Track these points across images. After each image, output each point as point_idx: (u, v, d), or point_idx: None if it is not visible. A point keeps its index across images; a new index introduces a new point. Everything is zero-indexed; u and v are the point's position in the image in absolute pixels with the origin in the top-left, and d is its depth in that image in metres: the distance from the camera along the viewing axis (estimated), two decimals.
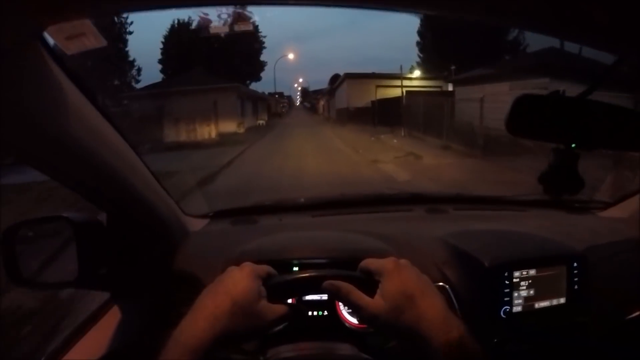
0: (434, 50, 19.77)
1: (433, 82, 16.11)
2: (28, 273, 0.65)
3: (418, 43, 21.16)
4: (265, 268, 0.48)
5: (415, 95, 13.03)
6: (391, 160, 7.49)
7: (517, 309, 0.76)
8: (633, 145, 0.56)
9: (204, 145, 11.10)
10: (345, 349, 0.65)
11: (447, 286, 0.73)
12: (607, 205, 1.08)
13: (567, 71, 7.27)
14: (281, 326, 0.67)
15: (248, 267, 0.46)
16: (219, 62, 20.69)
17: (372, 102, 16.93)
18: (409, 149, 8.90)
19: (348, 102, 19.35)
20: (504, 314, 0.75)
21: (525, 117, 0.53)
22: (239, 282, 0.44)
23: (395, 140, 10.98)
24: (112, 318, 0.72)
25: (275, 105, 40.19)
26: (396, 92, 15.02)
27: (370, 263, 0.48)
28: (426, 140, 10.19)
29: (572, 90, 0.56)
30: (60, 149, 0.47)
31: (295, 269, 0.70)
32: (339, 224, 0.98)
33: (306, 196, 1.18)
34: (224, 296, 0.42)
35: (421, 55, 21.58)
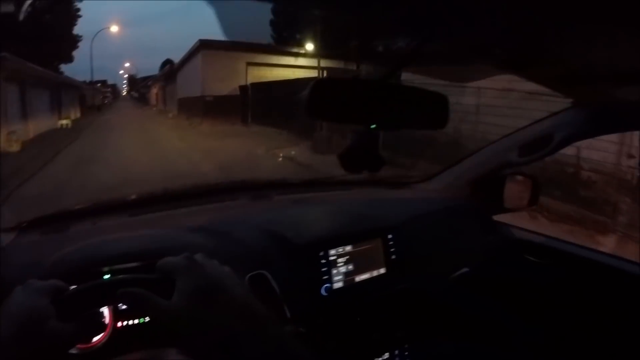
0: (295, 28, 17.77)
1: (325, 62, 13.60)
2: None
3: (272, 22, 21.19)
4: (52, 283, 0.51)
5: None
6: None
7: (338, 285, 0.97)
8: (431, 124, 0.75)
9: None
10: (172, 354, 0.72)
11: (266, 272, 0.87)
12: (425, 179, 1.35)
13: None
14: (100, 341, 0.73)
15: (31, 284, 0.50)
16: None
17: (243, 87, 14.48)
18: None
19: (203, 88, 15.81)
20: (325, 292, 0.95)
21: (325, 101, 0.64)
22: (22, 303, 0.47)
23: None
24: None
25: (93, 96, 35.74)
26: (275, 75, 13.30)
27: (165, 262, 0.54)
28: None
29: None
30: None
31: (107, 277, 0.76)
32: (161, 220, 1.08)
33: (125, 194, 1.27)
34: (7, 322, 0.45)
35: (274, 35, 20.83)
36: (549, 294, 1.28)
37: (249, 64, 14.72)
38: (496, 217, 1.42)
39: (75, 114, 22.81)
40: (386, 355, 1.05)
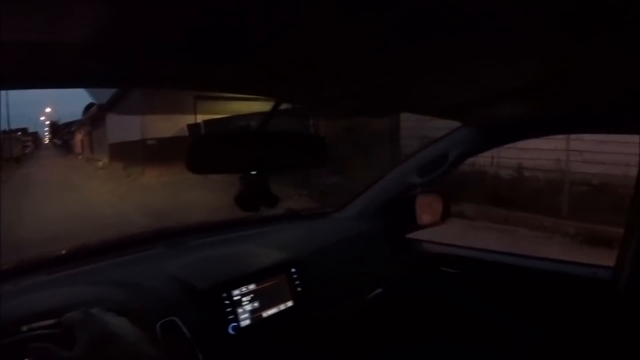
0: None
1: None
2: None
3: None
4: None
5: None
6: None
7: (245, 322, 1.12)
8: (310, 164, 0.86)
9: None
10: None
11: (176, 319, 0.98)
12: (341, 207, 1.51)
13: None
14: None
15: None
16: None
17: (193, 126, 13.00)
18: None
19: (144, 130, 14.24)
20: (233, 331, 1.08)
21: (207, 155, 0.77)
22: None
23: None
24: None
25: (11, 147, 34.05)
26: (230, 110, 11.46)
27: (66, 317, 0.67)
28: None
29: None
30: None
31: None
32: (79, 277, 1.17)
33: (44, 253, 1.36)
34: None
35: None
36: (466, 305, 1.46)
37: (198, 97, 13.24)
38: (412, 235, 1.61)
39: None
40: None
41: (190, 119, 13.20)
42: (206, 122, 12.61)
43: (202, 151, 0.76)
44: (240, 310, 1.11)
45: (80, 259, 1.31)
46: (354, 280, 1.36)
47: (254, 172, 0.81)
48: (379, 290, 1.40)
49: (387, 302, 1.43)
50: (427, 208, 1.62)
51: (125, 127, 16.19)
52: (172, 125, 13.49)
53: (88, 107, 23.91)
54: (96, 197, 10.32)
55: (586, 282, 1.39)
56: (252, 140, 0.81)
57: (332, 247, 1.40)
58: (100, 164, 19.56)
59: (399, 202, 1.58)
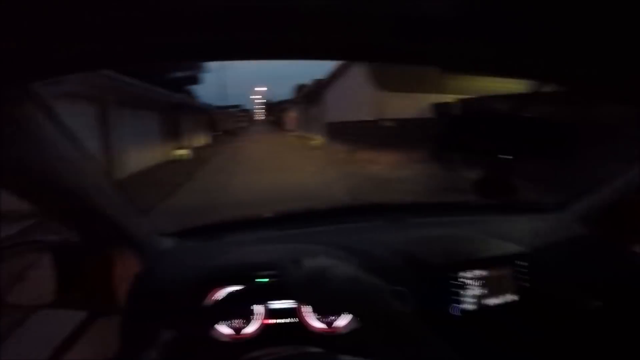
0: None
1: None
2: None
3: None
4: None
5: None
6: None
7: (469, 307, 1.25)
8: (553, 154, 0.96)
9: None
10: (317, 350, 0.98)
11: (405, 289, 1.10)
12: (563, 204, 1.66)
13: None
14: (250, 334, 1.10)
15: None
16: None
17: (440, 107, 12.17)
18: None
19: (378, 109, 13.73)
20: (456, 312, 1.23)
21: (457, 135, 0.89)
22: None
23: None
24: (94, 336, 1.14)
25: (226, 121, 40.63)
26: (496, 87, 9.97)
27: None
28: None
29: None
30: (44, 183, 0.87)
31: (265, 280, 1.11)
32: (305, 237, 1.40)
33: (272, 210, 1.65)
34: None
35: None
36: None
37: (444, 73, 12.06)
38: None
39: (206, 139, 23.87)
40: None
41: (432, 97, 12.42)
42: (466, 100, 11.33)
43: (454, 130, 0.86)
44: (464, 293, 1.24)
45: (298, 222, 1.53)
46: (575, 285, 1.34)
47: (509, 157, 0.84)
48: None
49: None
50: None
51: (347, 105, 16.78)
52: (410, 104, 12.96)
53: (299, 87, 25.99)
54: (306, 174, 11.52)
55: None
56: (506, 122, 0.86)
57: (555, 246, 1.42)
58: (314, 142, 19.93)
59: (628, 204, 1.43)
